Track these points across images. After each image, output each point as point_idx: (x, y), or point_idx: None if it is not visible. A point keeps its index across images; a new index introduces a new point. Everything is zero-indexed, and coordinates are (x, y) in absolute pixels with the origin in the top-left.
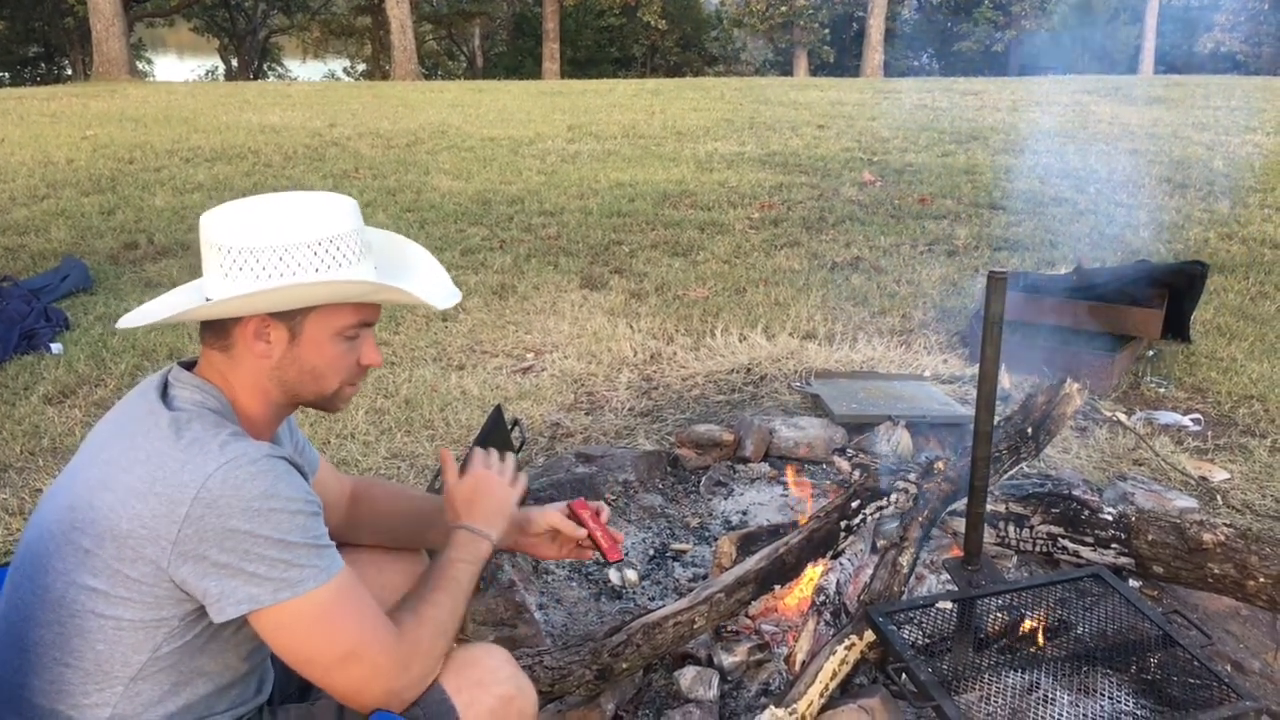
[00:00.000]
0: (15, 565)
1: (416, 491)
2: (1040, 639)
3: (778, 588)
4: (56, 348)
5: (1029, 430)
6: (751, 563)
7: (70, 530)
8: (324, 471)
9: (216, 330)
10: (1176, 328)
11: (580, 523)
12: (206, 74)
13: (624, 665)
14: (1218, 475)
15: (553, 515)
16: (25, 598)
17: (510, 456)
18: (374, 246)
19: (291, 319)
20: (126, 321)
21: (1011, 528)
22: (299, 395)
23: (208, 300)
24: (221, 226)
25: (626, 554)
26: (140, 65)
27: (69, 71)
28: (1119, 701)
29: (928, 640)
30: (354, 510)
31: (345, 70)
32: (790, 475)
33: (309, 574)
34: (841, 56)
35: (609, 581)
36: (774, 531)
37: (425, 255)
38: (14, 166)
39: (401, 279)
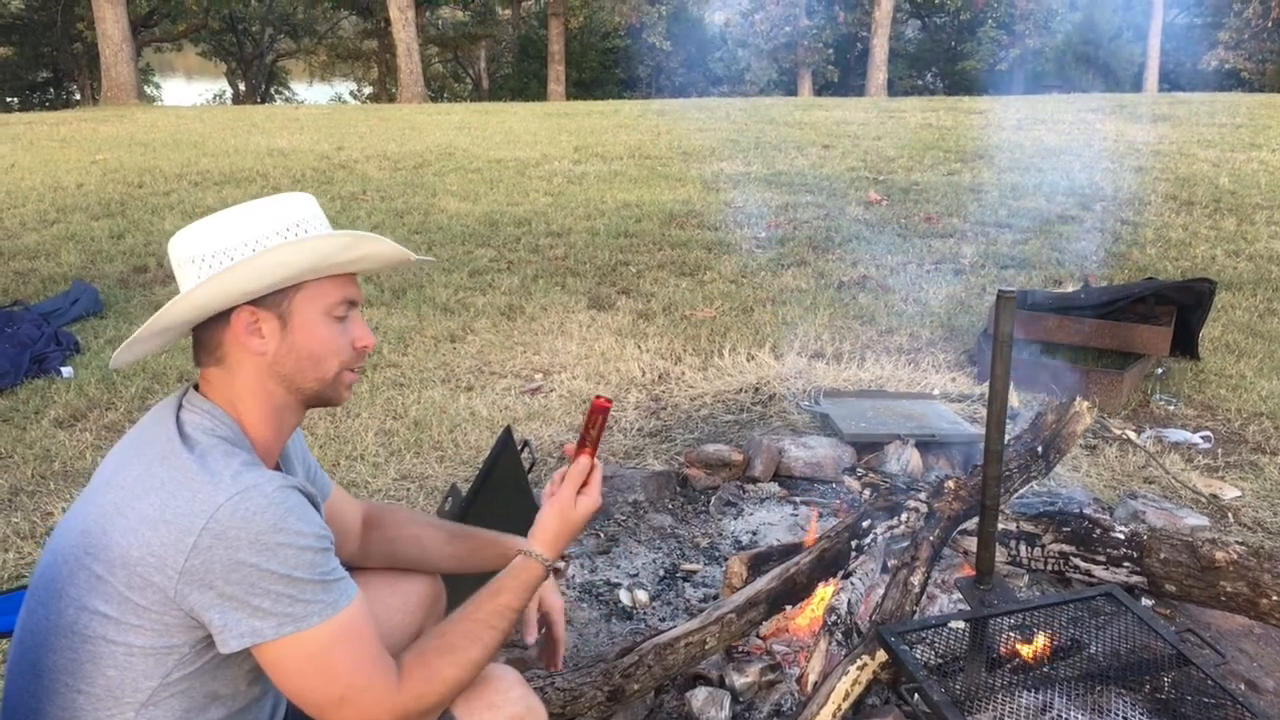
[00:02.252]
0: (31, 590)
1: (426, 517)
2: (1053, 658)
3: (789, 608)
4: (67, 371)
5: (1039, 449)
6: (763, 583)
7: (83, 555)
8: (338, 499)
9: (207, 346)
10: (1185, 345)
11: (590, 422)
12: (214, 98)
13: (636, 686)
14: (1228, 493)
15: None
16: (40, 623)
17: (583, 460)
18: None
19: (278, 306)
20: (119, 360)
21: (1023, 546)
22: (301, 388)
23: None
24: (190, 241)
25: (636, 574)
26: (148, 90)
27: (78, 96)
28: None
29: (940, 660)
30: (366, 537)
31: (351, 93)
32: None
33: (315, 609)
34: (846, 76)
35: (620, 602)
36: (785, 551)
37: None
38: (24, 191)
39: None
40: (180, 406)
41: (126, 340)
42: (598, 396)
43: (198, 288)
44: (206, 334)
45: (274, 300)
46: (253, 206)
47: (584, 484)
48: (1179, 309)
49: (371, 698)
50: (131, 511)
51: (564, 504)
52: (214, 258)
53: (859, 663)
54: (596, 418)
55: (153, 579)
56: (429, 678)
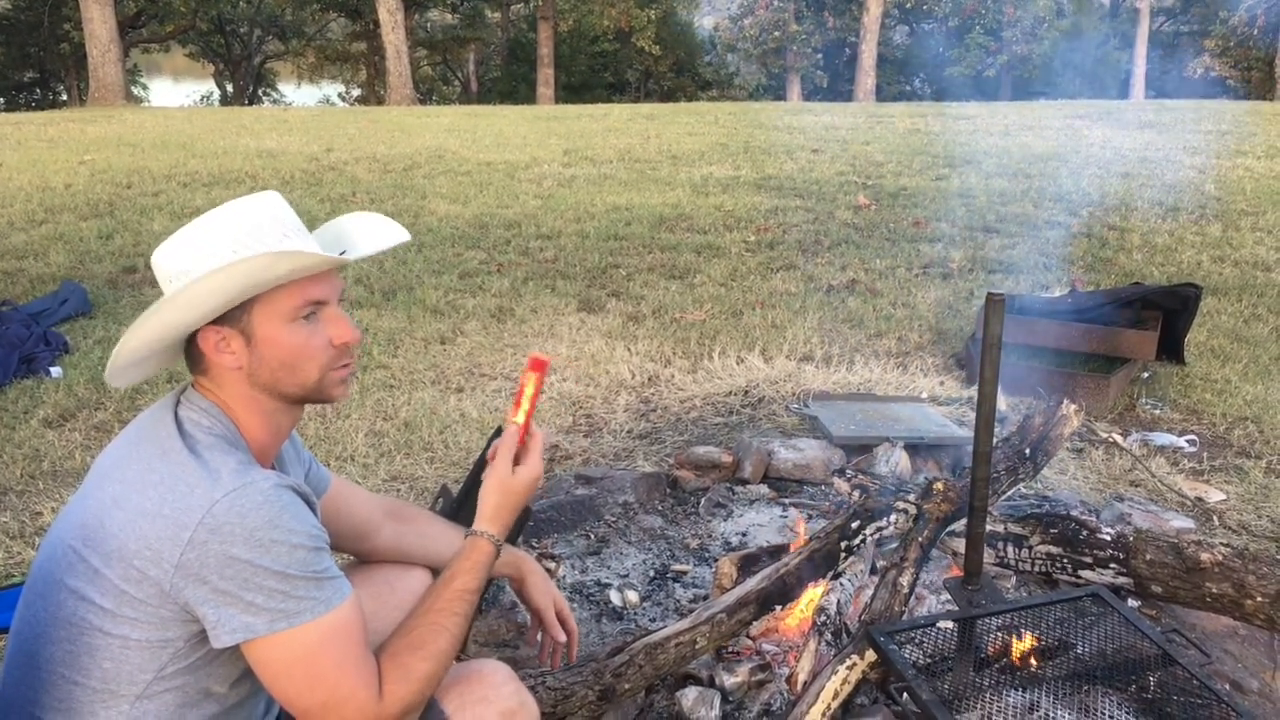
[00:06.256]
0: (29, 583)
1: (433, 514)
2: (1041, 658)
3: (779, 608)
4: (56, 371)
5: (1027, 451)
6: (753, 583)
7: (82, 547)
8: (351, 494)
9: (192, 358)
10: (1171, 350)
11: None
12: (202, 99)
13: (626, 686)
14: (1214, 496)
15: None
16: (37, 614)
17: (511, 429)
18: (305, 230)
19: (238, 321)
20: (114, 381)
21: (1010, 548)
22: (286, 394)
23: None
24: (164, 257)
25: (627, 575)
26: (136, 90)
27: (65, 97)
28: None
29: (929, 660)
30: (395, 527)
31: (340, 95)
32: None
33: (307, 605)
34: (834, 81)
35: (610, 602)
36: (774, 552)
37: (366, 219)
38: (12, 192)
39: (332, 247)
40: (178, 403)
41: (109, 367)
42: (534, 354)
43: (142, 324)
44: (190, 347)
45: (234, 316)
46: (215, 216)
47: (522, 451)
48: (1165, 314)
49: (354, 706)
50: (129, 505)
51: (501, 475)
52: (179, 277)
53: (848, 662)
54: (531, 378)
55: (149, 572)
56: (405, 678)
